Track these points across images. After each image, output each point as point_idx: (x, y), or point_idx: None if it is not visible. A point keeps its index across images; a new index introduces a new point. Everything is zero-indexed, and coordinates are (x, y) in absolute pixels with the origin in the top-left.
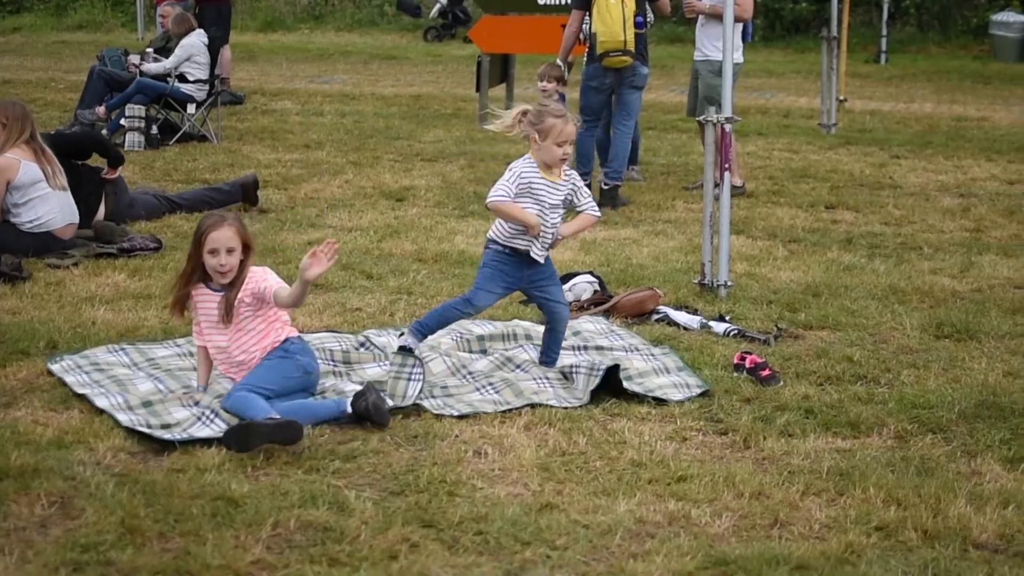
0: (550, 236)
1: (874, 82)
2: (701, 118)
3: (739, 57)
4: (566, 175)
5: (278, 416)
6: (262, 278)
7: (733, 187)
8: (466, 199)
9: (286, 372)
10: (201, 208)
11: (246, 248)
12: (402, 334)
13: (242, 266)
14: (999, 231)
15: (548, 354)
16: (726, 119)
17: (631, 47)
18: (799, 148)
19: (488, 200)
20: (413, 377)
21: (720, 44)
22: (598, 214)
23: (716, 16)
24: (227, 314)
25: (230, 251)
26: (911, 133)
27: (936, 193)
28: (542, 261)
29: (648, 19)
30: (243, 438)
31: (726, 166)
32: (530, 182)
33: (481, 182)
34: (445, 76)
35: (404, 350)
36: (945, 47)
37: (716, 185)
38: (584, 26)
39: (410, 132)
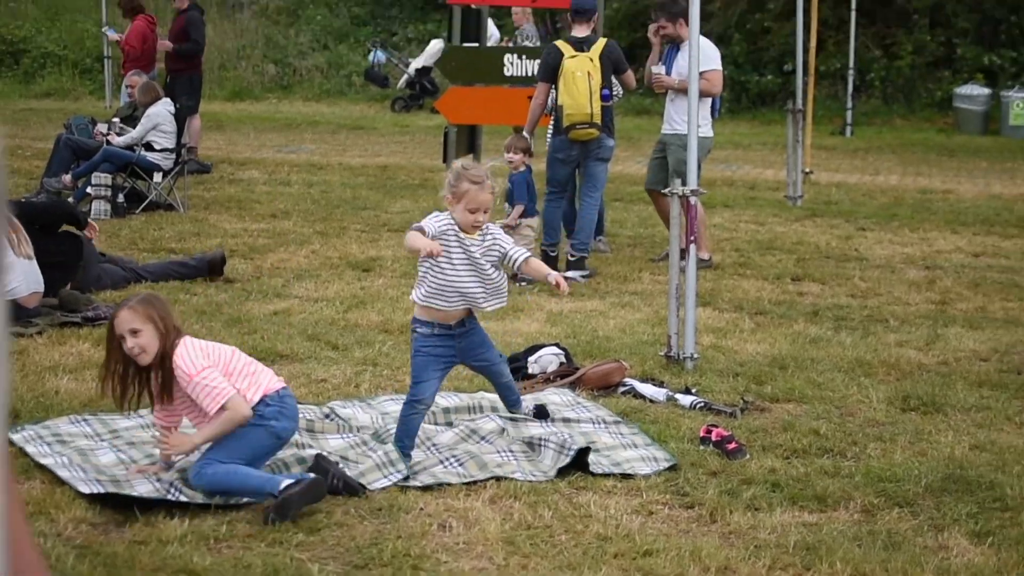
0: (484, 291)
1: (840, 154)
2: (667, 190)
3: (708, 131)
4: (482, 232)
5: (298, 479)
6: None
7: (700, 260)
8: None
9: (257, 442)
10: (167, 279)
11: (160, 324)
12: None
13: (164, 341)
14: (964, 303)
15: (508, 398)
16: (691, 191)
17: (598, 120)
18: (765, 220)
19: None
20: (389, 477)
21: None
22: (528, 253)
23: (685, 91)
24: (164, 393)
25: (134, 332)
26: (877, 205)
27: (902, 265)
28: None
29: (615, 92)
30: (283, 512)
31: (691, 238)
32: (445, 233)
33: None
34: (412, 146)
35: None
36: (910, 119)
37: (682, 257)
38: (550, 98)
39: (377, 202)
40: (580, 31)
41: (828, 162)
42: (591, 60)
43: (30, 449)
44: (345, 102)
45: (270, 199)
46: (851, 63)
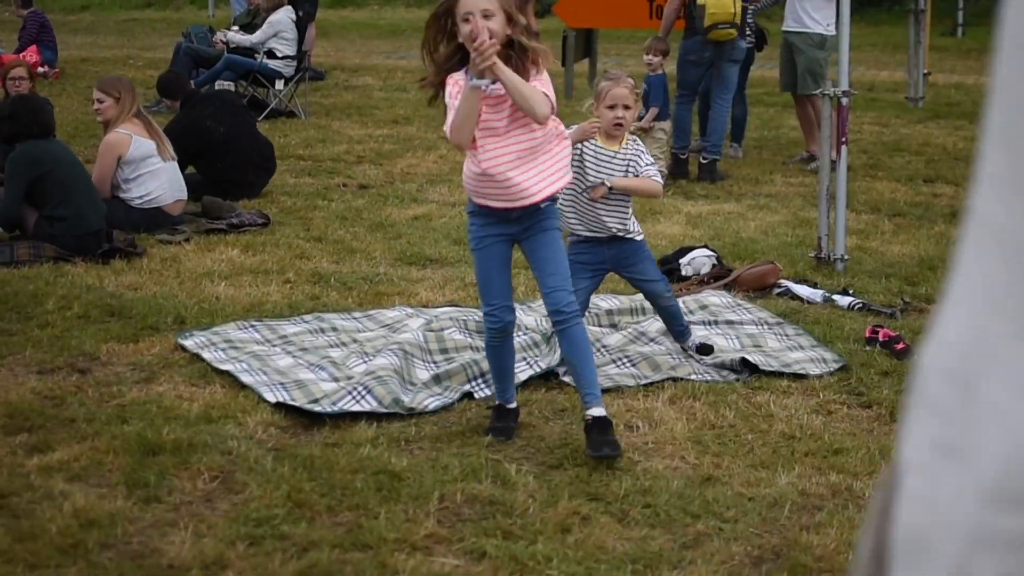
0: (620, 212)
1: (953, 55)
2: (818, 91)
3: (832, 29)
4: (627, 144)
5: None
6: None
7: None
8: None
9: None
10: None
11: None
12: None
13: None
14: None
15: (674, 327)
16: (843, 92)
17: (738, 20)
18: (888, 122)
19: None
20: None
21: (819, 16)
22: (659, 181)
23: None
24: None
25: (486, 14)
26: None
27: None
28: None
29: None
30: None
31: (843, 140)
32: (581, 151)
33: None
34: None
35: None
36: None
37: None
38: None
39: None
40: None
41: (942, 63)
42: None
43: (206, 355)
44: None
45: (389, 105)
46: None
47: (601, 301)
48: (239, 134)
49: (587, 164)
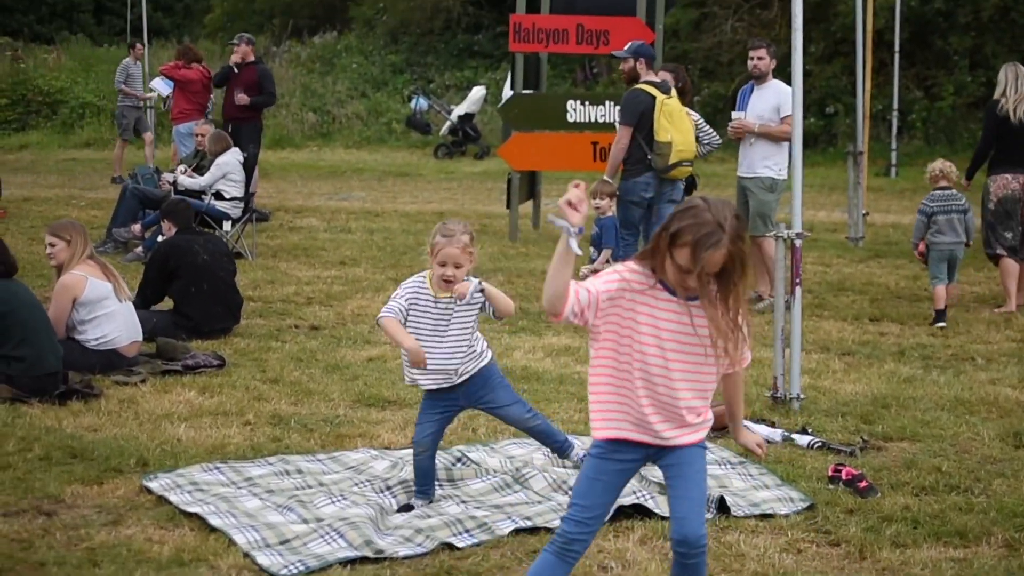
0: (455, 359)
1: (888, 195)
2: (768, 233)
3: (784, 174)
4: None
5: None
6: None
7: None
8: (514, 315)
9: None
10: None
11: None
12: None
13: None
14: None
15: (552, 444)
16: (796, 234)
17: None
18: (831, 261)
19: (378, 317)
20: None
21: (770, 162)
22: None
23: (764, 136)
24: None
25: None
26: None
27: (974, 304)
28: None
29: (711, 140)
30: None
31: (797, 281)
32: (415, 298)
33: (524, 298)
34: (461, 192)
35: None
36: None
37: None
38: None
39: None
40: (655, 76)
41: (878, 203)
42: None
43: (173, 498)
44: (387, 149)
45: (335, 246)
46: (895, 104)
47: None
48: (218, 269)
49: (419, 312)
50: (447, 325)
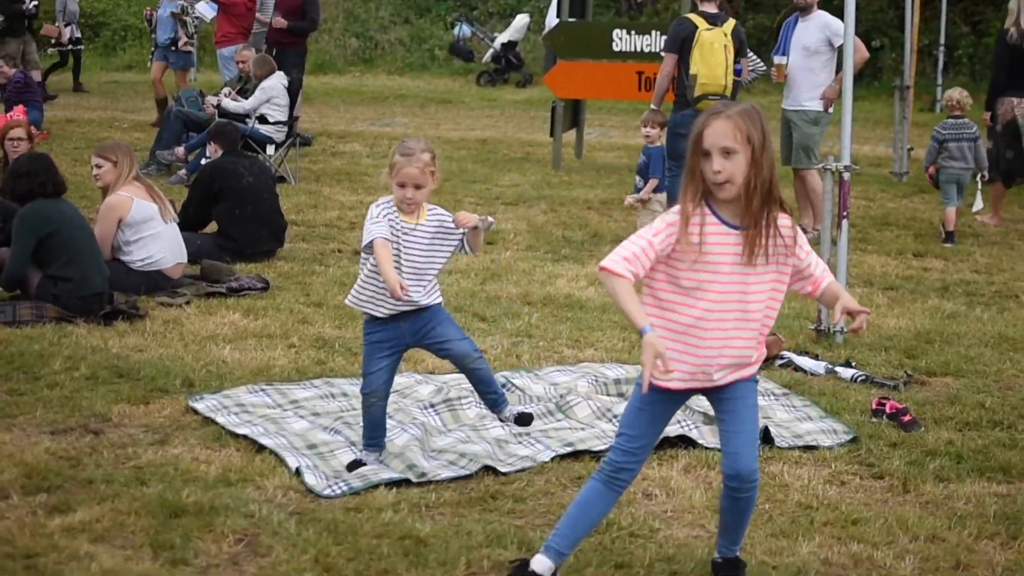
0: (421, 286)
1: (932, 131)
2: (811, 166)
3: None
4: (429, 216)
5: None
6: None
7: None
8: (556, 243)
9: None
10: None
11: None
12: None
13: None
14: None
15: (486, 395)
16: (844, 167)
17: (729, 93)
18: (874, 196)
19: (366, 241)
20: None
21: (815, 94)
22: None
23: (807, 68)
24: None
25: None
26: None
27: (1019, 242)
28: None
29: (755, 69)
30: None
31: (844, 214)
32: (391, 222)
33: (567, 226)
34: (504, 120)
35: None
36: None
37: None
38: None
39: (485, 176)
40: (709, 7)
41: (922, 139)
42: (725, 35)
43: (220, 419)
44: (429, 76)
45: (377, 171)
46: (942, 39)
47: (607, 370)
48: (263, 192)
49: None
50: (414, 251)
